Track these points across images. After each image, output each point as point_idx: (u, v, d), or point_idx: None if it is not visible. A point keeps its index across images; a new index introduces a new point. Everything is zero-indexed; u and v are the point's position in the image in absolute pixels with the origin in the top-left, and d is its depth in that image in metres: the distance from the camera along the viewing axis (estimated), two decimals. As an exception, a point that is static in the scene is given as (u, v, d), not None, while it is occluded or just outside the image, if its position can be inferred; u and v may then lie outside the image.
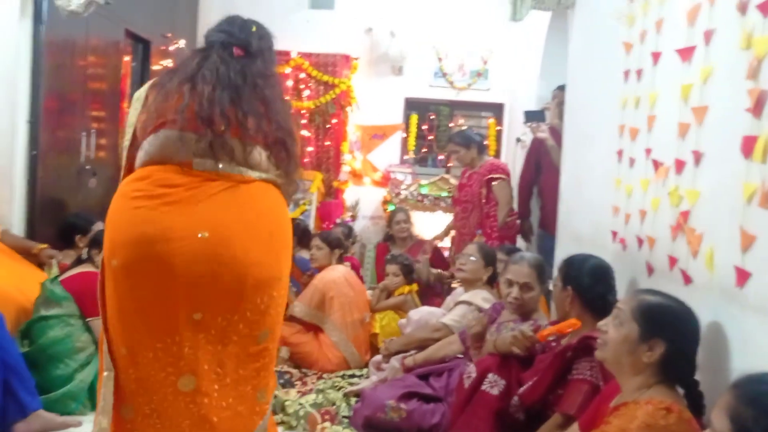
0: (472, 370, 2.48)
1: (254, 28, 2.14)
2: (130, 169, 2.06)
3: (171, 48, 5.66)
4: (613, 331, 1.74)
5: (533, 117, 4.57)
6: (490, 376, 2.39)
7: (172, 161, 1.93)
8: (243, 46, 2.07)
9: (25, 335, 2.99)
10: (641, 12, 2.49)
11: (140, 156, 2.00)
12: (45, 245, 3.47)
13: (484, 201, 4.51)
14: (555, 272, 3.58)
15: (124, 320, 1.91)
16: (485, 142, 4.82)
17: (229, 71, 1.98)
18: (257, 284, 1.93)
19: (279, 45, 6.39)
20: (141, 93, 2.07)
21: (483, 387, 2.38)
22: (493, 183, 4.47)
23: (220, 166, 1.93)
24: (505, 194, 4.48)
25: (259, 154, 1.99)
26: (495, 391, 2.35)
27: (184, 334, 1.88)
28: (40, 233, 3.63)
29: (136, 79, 5.21)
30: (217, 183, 1.92)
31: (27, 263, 3.38)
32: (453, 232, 4.97)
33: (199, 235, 1.84)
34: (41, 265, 3.42)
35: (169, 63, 5.59)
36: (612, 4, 2.86)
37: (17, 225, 3.59)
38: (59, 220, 3.75)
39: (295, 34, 6.16)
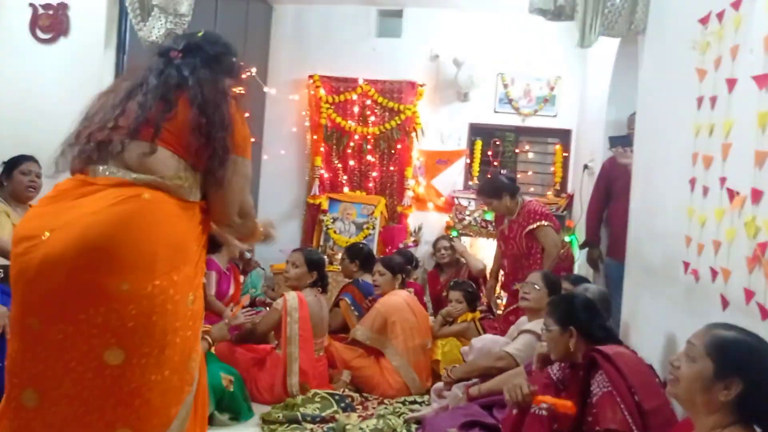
0: None
1: (200, 33, 2.06)
2: None
3: (243, 76, 5.85)
4: (686, 367, 1.67)
5: (618, 142, 4.33)
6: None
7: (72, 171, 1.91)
8: (183, 48, 1.98)
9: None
10: (715, 38, 2.43)
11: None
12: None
13: (526, 252, 4.28)
14: (623, 302, 3.51)
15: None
16: (515, 183, 4.50)
17: (153, 74, 1.91)
18: (78, 292, 1.69)
19: (347, 72, 6.59)
20: None
21: (532, 410, 2.37)
22: (536, 231, 4.24)
23: (105, 170, 1.83)
24: (550, 240, 4.24)
25: (166, 157, 1.84)
26: (544, 413, 2.33)
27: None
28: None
29: (210, 106, 5.40)
30: (91, 188, 1.80)
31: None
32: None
33: (43, 237, 1.71)
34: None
35: (240, 90, 5.77)
36: (685, 30, 2.80)
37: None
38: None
39: (362, 62, 6.29)
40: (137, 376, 1.72)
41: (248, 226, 2.09)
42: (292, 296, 3.66)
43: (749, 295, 2.00)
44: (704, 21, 2.54)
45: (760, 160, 1.99)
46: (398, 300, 3.94)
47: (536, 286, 3.35)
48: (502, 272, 4.68)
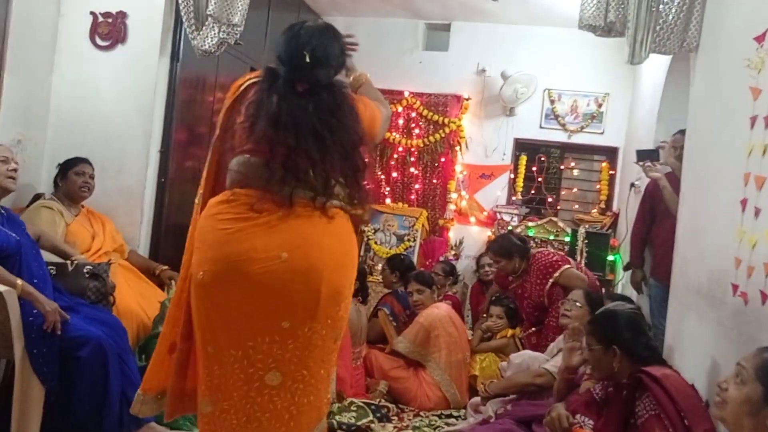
0: None
1: (307, 58, 2.10)
2: (215, 171, 2.27)
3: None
4: (734, 390, 1.63)
5: (645, 156, 4.24)
6: (578, 417, 2.38)
7: (256, 186, 2.05)
8: (305, 82, 2.11)
9: (142, 350, 3.18)
10: (771, 56, 2.38)
11: (229, 177, 2.15)
12: (166, 267, 3.70)
13: (548, 305, 4.14)
14: (667, 324, 3.43)
15: (212, 326, 2.06)
16: (527, 245, 4.43)
17: (305, 115, 2.05)
18: (331, 297, 2.05)
19: (393, 85, 6.62)
20: (237, 91, 2.19)
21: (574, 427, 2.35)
22: (560, 280, 4.12)
23: (300, 193, 2.05)
24: (575, 279, 4.11)
25: (338, 185, 2.10)
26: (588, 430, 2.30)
27: (273, 337, 2.02)
28: (163, 255, 3.88)
29: (258, 115, 5.50)
30: (297, 209, 2.04)
31: (149, 282, 3.62)
32: None
33: (282, 256, 1.99)
34: (162, 285, 3.64)
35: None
36: (739, 48, 2.75)
37: (143, 246, 3.86)
38: (181, 244, 3.99)
39: (409, 75, 6.33)
40: (289, 396, 2.05)
41: None
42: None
43: (801, 320, 1.94)
44: (760, 39, 2.49)
45: (815, 182, 1.93)
46: (441, 313, 3.93)
47: (578, 304, 3.31)
48: None
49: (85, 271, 3.07)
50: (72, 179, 3.50)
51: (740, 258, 2.49)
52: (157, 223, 3.93)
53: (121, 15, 3.85)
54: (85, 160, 3.58)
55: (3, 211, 2.80)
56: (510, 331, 4.15)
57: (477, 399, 3.44)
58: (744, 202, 2.51)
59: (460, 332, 3.96)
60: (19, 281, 2.52)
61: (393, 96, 6.33)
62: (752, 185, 2.44)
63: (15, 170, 2.83)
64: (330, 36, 2.23)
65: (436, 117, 6.25)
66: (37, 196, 3.61)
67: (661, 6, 3.34)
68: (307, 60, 2.08)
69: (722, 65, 3.04)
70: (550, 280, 4.13)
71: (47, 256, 3.02)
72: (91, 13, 3.87)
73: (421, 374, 3.83)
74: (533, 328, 4.18)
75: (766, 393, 1.56)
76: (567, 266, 4.19)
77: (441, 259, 5.80)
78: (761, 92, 2.46)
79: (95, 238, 3.50)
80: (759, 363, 1.61)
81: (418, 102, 6.28)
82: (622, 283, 5.01)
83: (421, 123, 6.31)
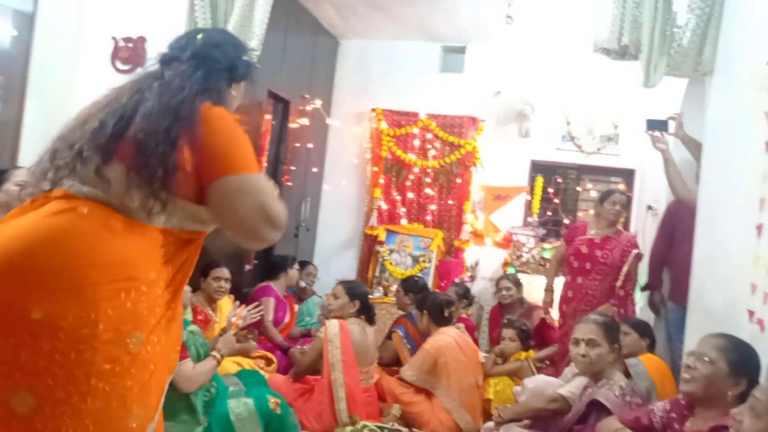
0: None
1: (200, 36, 1.75)
2: None
3: (308, 108, 6.01)
4: (749, 422, 1.61)
5: (655, 126, 4.08)
6: None
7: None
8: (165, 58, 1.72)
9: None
10: (785, 81, 2.37)
11: None
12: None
13: (624, 277, 4.19)
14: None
15: None
16: None
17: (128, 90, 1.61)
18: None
19: (409, 106, 6.66)
20: None
21: None
22: (635, 259, 4.21)
23: (63, 184, 1.55)
24: (635, 272, 4.28)
25: (115, 172, 1.50)
26: None
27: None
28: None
29: (275, 137, 5.57)
30: (39, 202, 1.55)
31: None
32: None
33: None
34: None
35: (305, 122, 5.94)
36: (754, 72, 2.74)
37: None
38: (200, 263, 4.03)
39: (424, 96, 6.37)
40: (50, 429, 1.37)
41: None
42: (332, 323, 3.69)
43: (817, 348, 1.91)
44: (774, 64, 2.49)
45: (830, 209, 1.92)
46: (447, 339, 3.89)
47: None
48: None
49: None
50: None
51: (756, 284, 2.47)
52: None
53: (141, 40, 3.93)
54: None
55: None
56: (524, 354, 4.11)
57: (490, 424, 3.41)
58: (759, 228, 2.49)
59: (470, 356, 3.92)
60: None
61: (409, 117, 6.37)
62: (767, 210, 2.42)
63: (32, 194, 2.85)
64: None
65: (451, 138, 6.27)
66: (57, 217, 3.66)
67: (675, 29, 3.35)
68: (199, 37, 1.78)
69: (737, 89, 3.03)
70: (635, 251, 4.21)
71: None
72: (113, 38, 3.96)
73: (433, 399, 3.80)
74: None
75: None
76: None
77: (456, 280, 5.78)
78: (775, 117, 2.45)
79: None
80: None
81: (433, 123, 6.31)
82: (640, 306, 4.96)
83: (436, 144, 6.33)
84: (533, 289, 5.75)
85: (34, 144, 3.59)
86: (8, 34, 3.62)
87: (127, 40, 3.95)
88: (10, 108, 3.58)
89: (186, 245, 1.59)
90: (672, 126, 3.99)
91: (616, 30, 3.41)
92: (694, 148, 3.76)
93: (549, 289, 4.65)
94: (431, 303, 4.05)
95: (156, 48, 4.06)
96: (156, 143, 1.49)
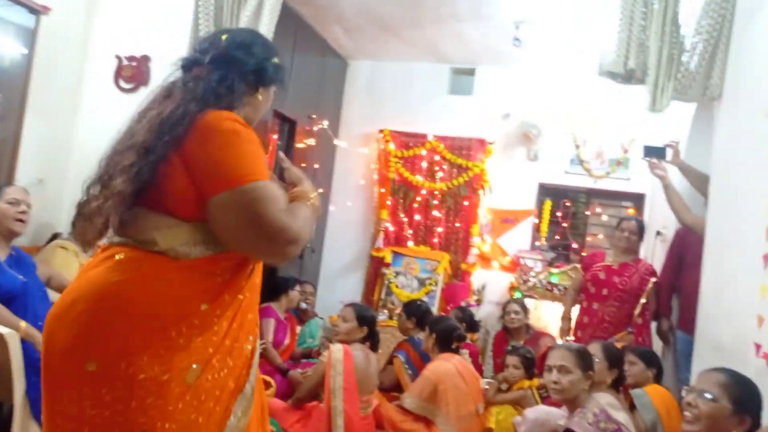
0: None
1: (224, 36, 1.65)
2: None
3: (315, 128, 5.99)
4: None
5: (653, 153, 4.07)
6: None
7: None
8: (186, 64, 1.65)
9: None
10: (793, 107, 2.30)
11: None
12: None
13: (644, 302, 4.19)
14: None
15: None
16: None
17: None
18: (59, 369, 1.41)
19: (417, 128, 6.63)
20: None
21: None
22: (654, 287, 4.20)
23: (111, 239, 1.54)
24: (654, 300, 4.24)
25: (144, 218, 1.48)
26: None
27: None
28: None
29: (280, 157, 5.54)
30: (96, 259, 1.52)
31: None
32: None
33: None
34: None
35: (311, 142, 5.91)
36: (763, 98, 2.67)
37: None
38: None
39: (433, 118, 6.34)
40: None
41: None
42: (336, 348, 3.60)
43: (824, 388, 1.82)
44: (781, 89, 2.42)
45: (838, 241, 1.83)
46: (448, 366, 3.79)
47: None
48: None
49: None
50: (89, 219, 3.52)
51: (763, 316, 2.38)
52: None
53: (145, 59, 3.94)
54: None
55: (13, 252, 2.82)
56: (527, 382, 4.00)
57: (490, 454, 3.32)
58: (766, 258, 2.40)
59: (470, 384, 3.82)
60: (23, 323, 2.52)
61: (417, 139, 6.33)
62: (774, 241, 2.34)
63: (24, 212, 2.83)
64: None
65: (459, 160, 6.21)
66: (55, 236, 3.64)
67: (682, 53, 3.29)
68: (223, 37, 1.70)
69: (745, 115, 2.96)
70: (653, 279, 4.21)
71: (56, 298, 3.01)
72: (116, 56, 3.97)
73: (433, 427, 3.70)
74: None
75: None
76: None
77: (462, 304, 5.68)
78: (783, 144, 2.37)
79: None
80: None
81: (441, 145, 6.26)
82: (649, 334, 4.84)
83: (444, 166, 6.28)
84: (540, 314, 5.65)
85: (33, 161, 3.59)
86: (9, 50, 3.61)
87: (130, 58, 3.96)
88: (9, 125, 3.57)
89: (244, 264, 1.51)
90: (669, 154, 3.95)
91: (622, 54, 3.36)
92: (693, 176, 3.73)
93: (566, 317, 4.59)
94: (443, 328, 3.98)
95: (160, 67, 4.08)
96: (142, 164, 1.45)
